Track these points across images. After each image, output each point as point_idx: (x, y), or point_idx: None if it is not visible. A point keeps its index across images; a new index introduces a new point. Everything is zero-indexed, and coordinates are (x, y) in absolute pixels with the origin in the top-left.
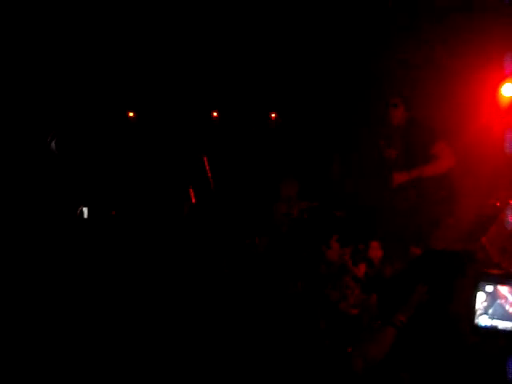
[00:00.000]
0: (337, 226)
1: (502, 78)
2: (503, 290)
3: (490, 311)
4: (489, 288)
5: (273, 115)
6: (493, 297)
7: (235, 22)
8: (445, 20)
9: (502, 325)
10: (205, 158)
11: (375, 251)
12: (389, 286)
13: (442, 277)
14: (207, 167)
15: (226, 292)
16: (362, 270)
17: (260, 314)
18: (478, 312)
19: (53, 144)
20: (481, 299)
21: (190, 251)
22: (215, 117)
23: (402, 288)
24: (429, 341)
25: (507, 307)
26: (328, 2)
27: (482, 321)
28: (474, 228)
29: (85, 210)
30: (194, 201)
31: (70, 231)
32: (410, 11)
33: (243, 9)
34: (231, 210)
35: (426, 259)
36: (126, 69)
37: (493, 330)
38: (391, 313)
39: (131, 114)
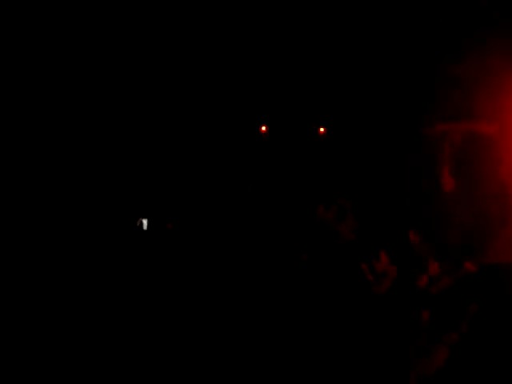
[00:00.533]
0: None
1: None
2: None
3: None
4: None
5: (321, 129)
6: None
7: (288, 38)
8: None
9: None
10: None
11: (434, 267)
12: (442, 302)
13: (499, 293)
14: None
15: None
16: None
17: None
18: None
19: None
20: None
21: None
22: (264, 131)
23: (456, 305)
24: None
25: None
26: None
27: None
28: None
29: (144, 221)
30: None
31: (129, 242)
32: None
33: (298, 25)
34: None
35: (480, 275)
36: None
37: None
38: (444, 330)
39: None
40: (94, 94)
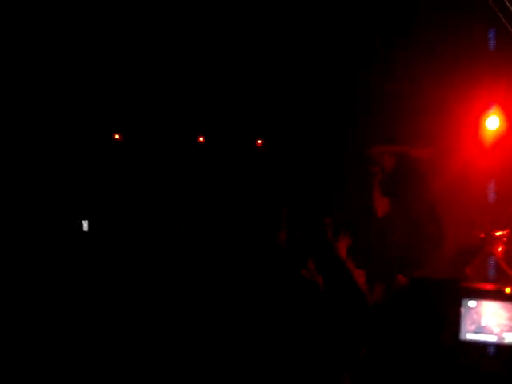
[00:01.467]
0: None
1: (486, 111)
2: (486, 305)
3: (474, 326)
4: (472, 303)
5: (259, 141)
6: (475, 312)
7: (224, 47)
8: (432, 50)
9: (485, 339)
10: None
11: (360, 279)
12: (372, 313)
13: (427, 306)
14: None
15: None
16: None
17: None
18: (462, 327)
19: None
20: (464, 314)
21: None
22: (201, 142)
23: (386, 317)
24: (414, 356)
25: (490, 322)
26: (316, 34)
27: (467, 336)
28: (458, 259)
29: (84, 223)
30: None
31: (68, 243)
32: (398, 41)
33: (234, 33)
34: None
35: (411, 288)
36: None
37: (476, 345)
38: (375, 341)
39: (117, 137)
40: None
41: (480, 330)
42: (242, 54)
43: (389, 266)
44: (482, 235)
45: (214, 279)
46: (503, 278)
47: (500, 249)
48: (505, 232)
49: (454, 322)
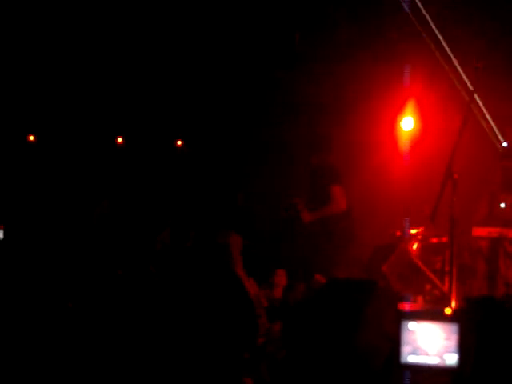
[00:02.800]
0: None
1: (401, 112)
2: (425, 326)
3: (413, 347)
4: (411, 325)
5: (179, 143)
6: (416, 333)
7: (143, 50)
8: (347, 55)
9: (425, 360)
10: None
11: (281, 278)
12: (292, 314)
13: (345, 307)
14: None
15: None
16: (264, 301)
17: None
18: (403, 348)
19: None
20: (404, 336)
21: None
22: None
23: (305, 316)
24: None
25: (429, 343)
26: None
27: (407, 357)
28: (375, 257)
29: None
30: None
31: None
32: (314, 47)
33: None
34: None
35: (329, 288)
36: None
37: (416, 366)
38: (294, 341)
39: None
40: None
41: (420, 351)
42: (159, 56)
43: (306, 264)
44: (398, 233)
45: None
46: (418, 275)
47: (415, 246)
48: (420, 230)
49: (394, 342)
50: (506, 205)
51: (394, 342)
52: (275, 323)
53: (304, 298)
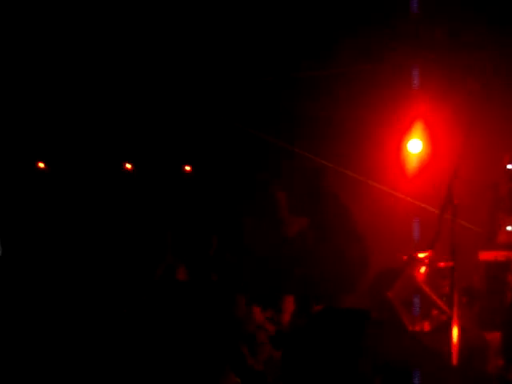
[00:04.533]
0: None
1: (408, 134)
2: None
3: None
4: None
5: (187, 168)
6: None
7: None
8: (350, 75)
9: None
10: None
11: (289, 304)
12: (289, 341)
13: (338, 335)
14: None
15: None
16: (270, 327)
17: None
18: None
19: None
20: None
21: None
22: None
23: (302, 345)
24: None
25: None
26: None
27: None
28: (380, 282)
29: None
30: None
31: None
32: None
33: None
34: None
35: (324, 317)
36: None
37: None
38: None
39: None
40: None
41: None
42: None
43: (313, 290)
44: (405, 258)
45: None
46: (425, 301)
47: (422, 270)
48: (427, 254)
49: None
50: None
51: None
52: (279, 351)
53: (300, 326)
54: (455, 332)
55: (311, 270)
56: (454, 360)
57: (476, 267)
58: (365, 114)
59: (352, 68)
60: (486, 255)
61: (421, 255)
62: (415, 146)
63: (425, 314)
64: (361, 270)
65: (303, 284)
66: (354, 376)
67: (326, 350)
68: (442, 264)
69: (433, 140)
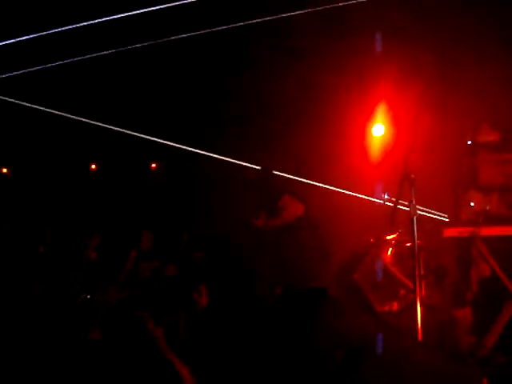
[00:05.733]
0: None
1: (372, 118)
2: None
3: None
4: None
5: (153, 165)
6: None
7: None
8: (311, 57)
9: None
10: None
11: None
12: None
13: (298, 314)
14: None
15: None
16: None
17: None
18: None
19: None
20: None
21: None
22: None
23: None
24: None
25: None
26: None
27: None
28: (347, 265)
29: None
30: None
31: None
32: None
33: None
34: None
35: (281, 298)
36: None
37: None
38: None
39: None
40: None
41: None
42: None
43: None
44: (372, 240)
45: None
46: (392, 282)
47: (389, 252)
48: (394, 235)
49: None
50: (474, 203)
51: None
52: None
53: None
54: (419, 308)
55: (275, 259)
56: (420, 336)
57: (442, 245)
58: (328, 98)
59: (316, 50)
60: (450, 232)
61: (388, 237)
62: (378, 129)
63: (393, 295)
64: (323, 259)
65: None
66: (313, 352)
67: (286, 328)
68: (408, 244)
69: (395, 124)
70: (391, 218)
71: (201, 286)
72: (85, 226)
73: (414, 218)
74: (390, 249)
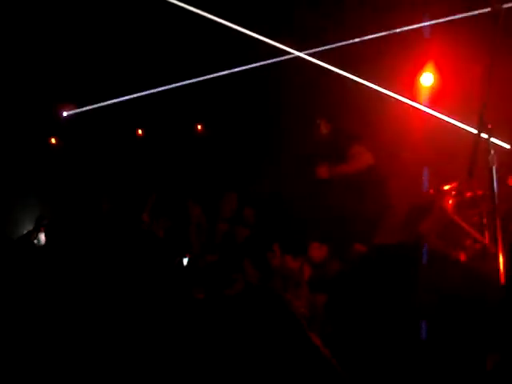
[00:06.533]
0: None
1: (420, 68)
2: None
3: None
4: None
5: (199, 126)
6: None
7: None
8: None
9: None
10: None
11: (316, 251)
12: (336, 285)
13: (393, 273)
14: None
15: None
16: (306, 272)
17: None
18: None
19: None
20: None
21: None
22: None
23: (350, 287)
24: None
25: None
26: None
27: None
28: (410, 218)
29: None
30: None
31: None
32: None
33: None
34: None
35: (372, 256)
36: None
37: None
38: (340, 315)
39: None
40: None
41: None
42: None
43: (338, 233)
44: (431, 191)
45: None
46: (458, 232)
47: (450, 202)
48: (453, 185)
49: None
50: None
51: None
52: (316, 296)
53: (344, 270)
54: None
55: (335, 212)
56: (502, 279)
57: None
58: (380, 50)
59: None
60: None
61: (446, 187)
62: (427, 78)
63: (459, 245)
64: (382, 212)
65: (329, 229)
66: (413, 311)
67: (381, 288)
68: (469, 194)
69: (443, 74)
70: (470, 169)
71: (275, 245)
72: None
73: (494, 168)
74: (451, 199)
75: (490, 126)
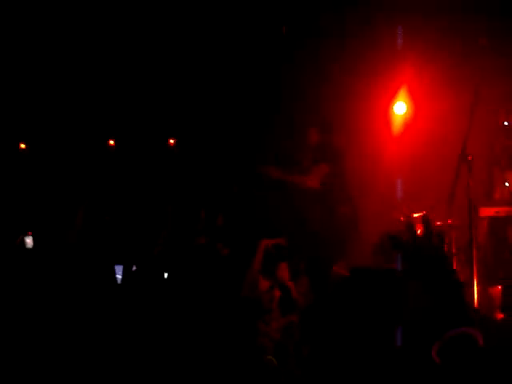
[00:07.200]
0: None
1: (394, 97)
2: None
3: None
4: None
5: (171, 141)
6: None
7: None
8: (338, 39)
9: None
10: None
11: (283, 272)
12: (315, 309)
13: (369, 296)
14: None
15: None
16: (276, 293)
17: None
18: None
19: None
20: None
21: None
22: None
23: (331, 312)
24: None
25: None
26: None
27: None
28: (383, 245)
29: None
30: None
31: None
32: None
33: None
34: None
35: (351, 279)
36: None
37: None
38: (317, 339)
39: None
40: None
41: None
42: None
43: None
44: (402, 218)
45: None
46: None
47: (419, 230)
48: (422, 214)
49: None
50: (509, 183)
51: None
52: (289, 319)
53: (328, 291)
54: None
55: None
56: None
57: (476, 224)
58: (352, 80)
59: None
60: (486, 211)
61: (416, 215)
62: (400, 107)
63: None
64: (351, 232)
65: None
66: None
67: (362, 310)
68: (438, 223)
69: (416, 102)
70: (450, 198)
71: None
72: None
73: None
74: (419, 227)
75: (470, 158)
